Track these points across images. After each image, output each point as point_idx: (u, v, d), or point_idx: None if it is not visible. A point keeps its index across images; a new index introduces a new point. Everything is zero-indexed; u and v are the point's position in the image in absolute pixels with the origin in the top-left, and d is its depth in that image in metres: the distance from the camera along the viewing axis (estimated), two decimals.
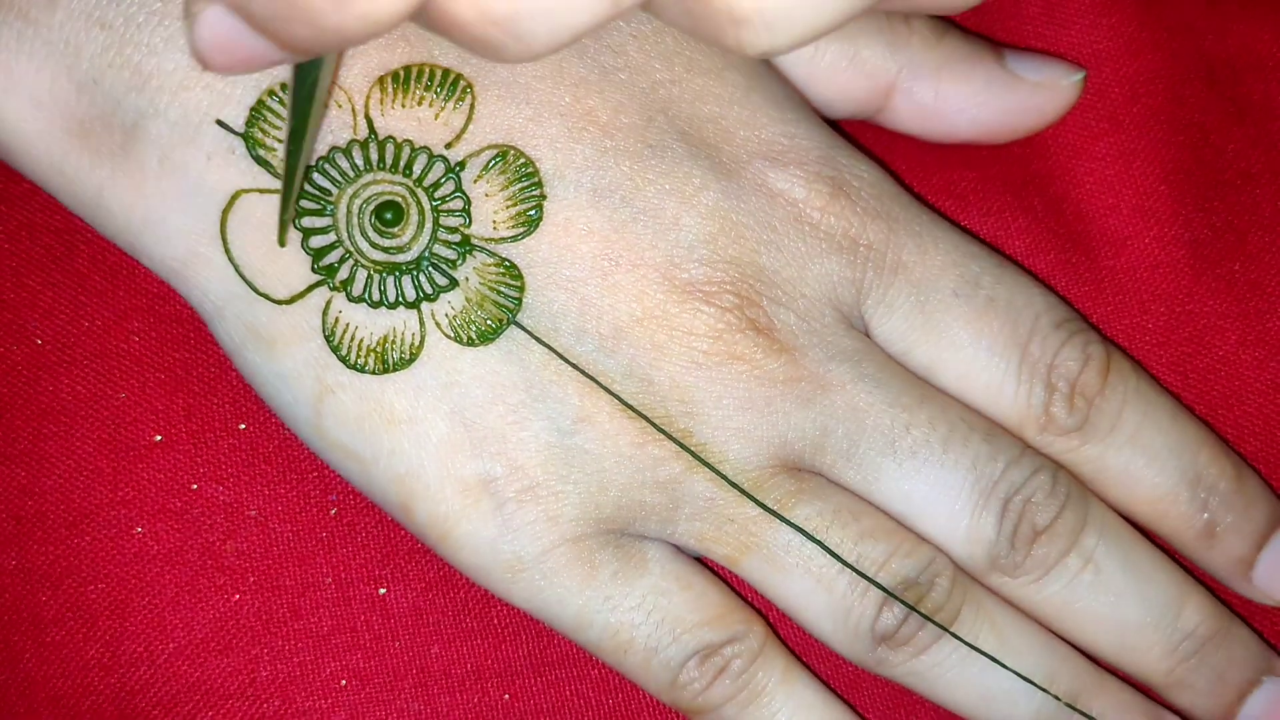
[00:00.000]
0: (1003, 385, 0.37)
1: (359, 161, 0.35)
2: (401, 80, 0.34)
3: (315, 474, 0.38)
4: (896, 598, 0.36)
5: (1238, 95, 0.42)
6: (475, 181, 0.35)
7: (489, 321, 0.35)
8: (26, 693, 0.37)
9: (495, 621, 0.38)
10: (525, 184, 0.35)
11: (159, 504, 0.37)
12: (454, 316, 0.35)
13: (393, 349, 0.35)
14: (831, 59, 0.38)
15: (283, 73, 0.34)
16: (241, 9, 0.24)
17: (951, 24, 0.39)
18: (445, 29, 0.24)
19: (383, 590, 0.38)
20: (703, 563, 0.38)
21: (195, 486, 0.38)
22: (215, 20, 0.25)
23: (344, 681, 0.38)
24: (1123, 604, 0.37)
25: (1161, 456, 0.38)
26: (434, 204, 0.35)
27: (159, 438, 0.38)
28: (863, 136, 0.40)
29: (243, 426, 0.38)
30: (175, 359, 0.38)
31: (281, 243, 0.34)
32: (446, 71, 0.35)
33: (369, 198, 0.35)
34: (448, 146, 0.35)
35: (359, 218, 0.35)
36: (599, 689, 0.39)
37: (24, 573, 0.37)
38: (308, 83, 0.30)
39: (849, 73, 0.38)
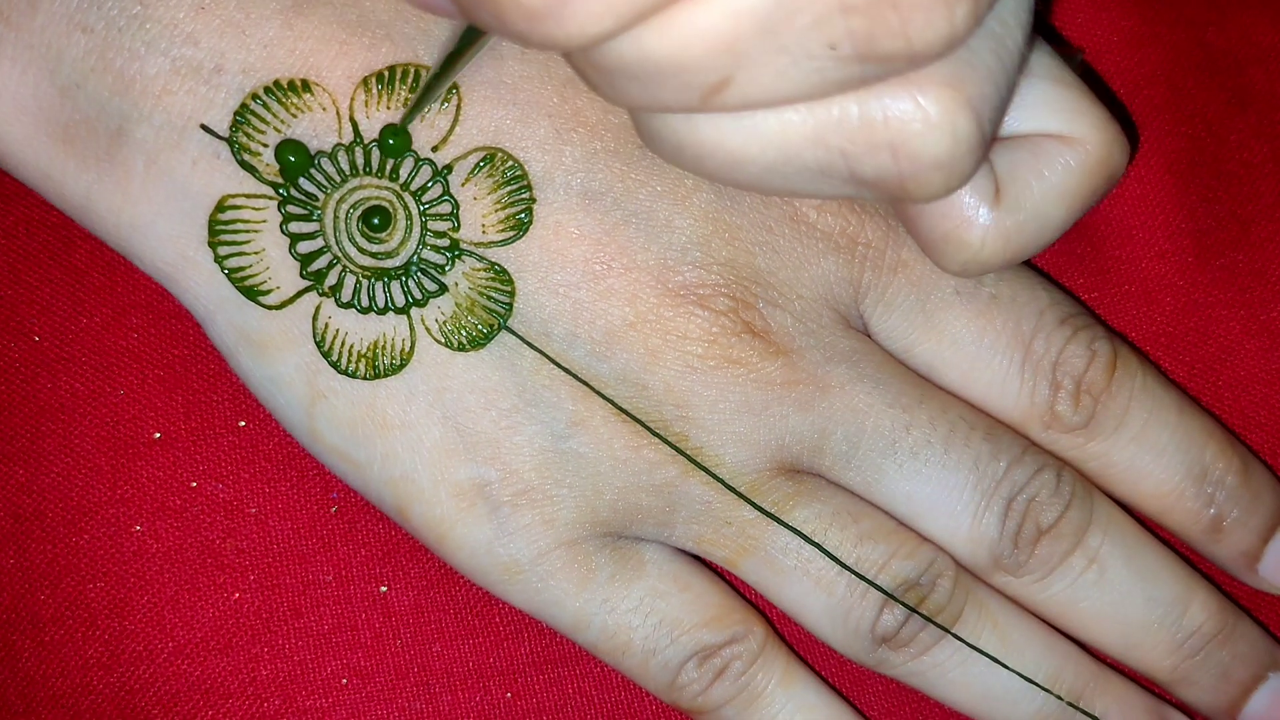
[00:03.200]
0: (1006, 383, 0.37)
1: (345, 166, 0.34)
2: (386, 81, 0.34)
3: (316, 472, 0.38)
4: (897, 599, 0.36)
5: (1240, 86, 0.41)
6: (463, 185, 0.34)
7: (480, 327, 0.34)
8: (26, 692, 0.37)
9: (497, 619, 0.38)
10: (514, 187, 0.34)
11: (158, 502, 0.37)
12: (444, 322, 0.34)
13: (383, 355, 0.34)
14: None
15: (266, 75, 0.33)
16: None
17: None
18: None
19: (384, 588, 0.38)
20: (704, 562, 0.38)
21: (195, 484, 0.38)
22: None
23: (345, 680, 0.38)
24: (1127, 603, 0.37)
25: (1168, 452, 0.37)
26: (421, 208, 0.34)
27: (158, 435, 0.38)
28: None
29: (243, 424, 0.38)
30: (174, 355, 0.38)
31: (403, 124, 0.34)
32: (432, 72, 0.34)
33: (356, 203, 0.34)
34: (434, 149, 0.34)
35: (346, 223, 0.34)
36: (602, 687, 0.38)
37: (23, 571, 0.37)
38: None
39: None
